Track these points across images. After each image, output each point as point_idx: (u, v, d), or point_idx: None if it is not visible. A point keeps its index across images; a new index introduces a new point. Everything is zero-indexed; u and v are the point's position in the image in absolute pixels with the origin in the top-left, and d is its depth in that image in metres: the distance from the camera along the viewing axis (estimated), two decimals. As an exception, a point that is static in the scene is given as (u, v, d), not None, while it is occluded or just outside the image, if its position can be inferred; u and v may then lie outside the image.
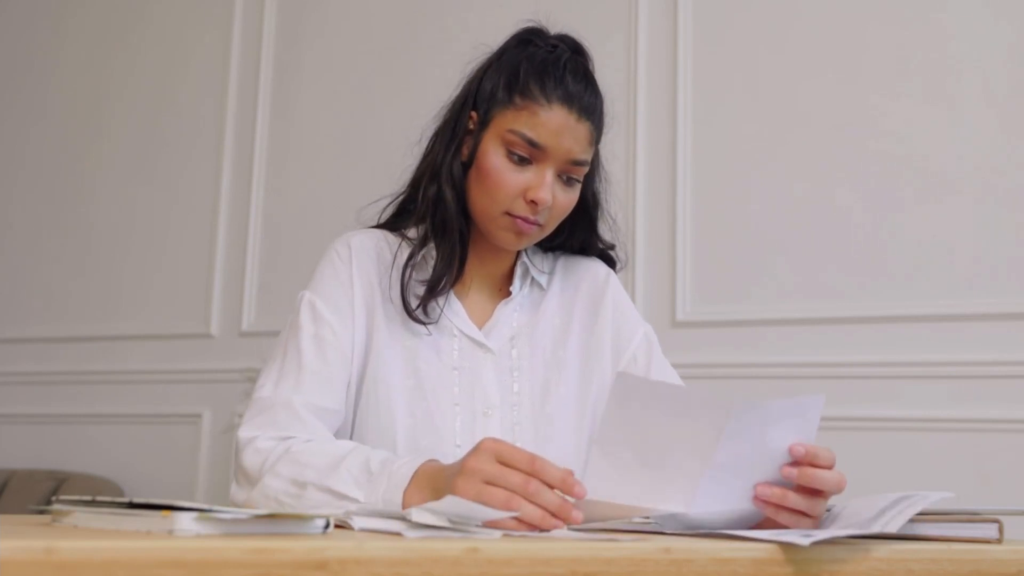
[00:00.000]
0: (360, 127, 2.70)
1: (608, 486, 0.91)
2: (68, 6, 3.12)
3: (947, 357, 2.09)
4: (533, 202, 1.22)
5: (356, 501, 1.04)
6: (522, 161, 1.22)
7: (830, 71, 2.28)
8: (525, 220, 1.24)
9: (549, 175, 1.22)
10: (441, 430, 1.23)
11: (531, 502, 0.88)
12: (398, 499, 1.00)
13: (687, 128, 2.37)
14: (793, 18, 2.34)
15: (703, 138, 2.36)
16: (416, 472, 1.01)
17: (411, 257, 1.28)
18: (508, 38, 1.32)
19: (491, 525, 0.85)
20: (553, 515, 0.88)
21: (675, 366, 1.38)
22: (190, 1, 2.99)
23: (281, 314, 2.67)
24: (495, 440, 0.94)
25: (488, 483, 0.90)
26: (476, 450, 0.94)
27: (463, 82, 1.33)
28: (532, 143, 1.21)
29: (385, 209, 1.39)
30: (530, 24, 1.32)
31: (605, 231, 1.40)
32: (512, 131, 1.22)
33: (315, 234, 2.68)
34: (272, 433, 1.17)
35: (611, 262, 1.43)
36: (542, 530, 0.88)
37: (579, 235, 1.38)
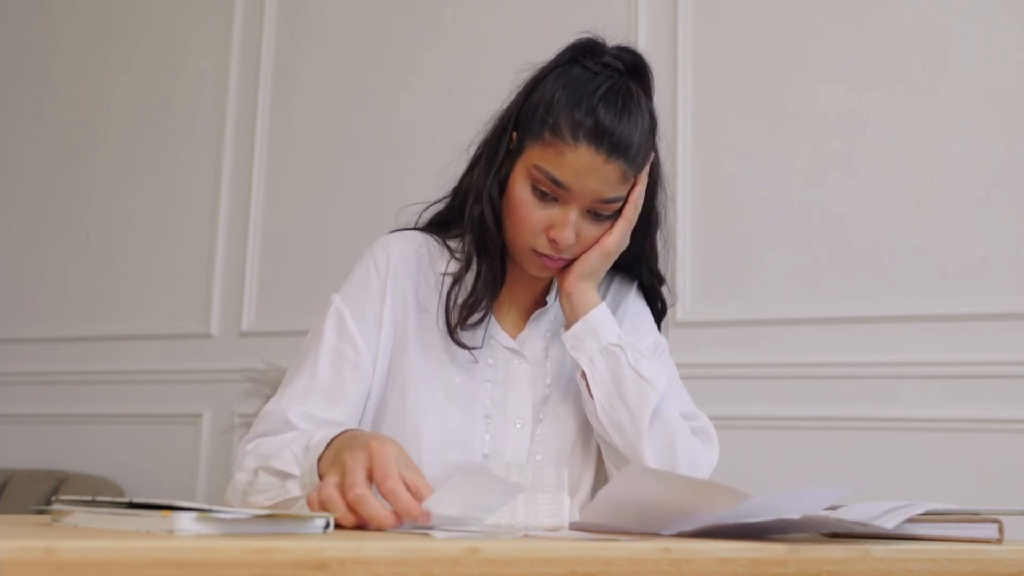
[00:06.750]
0: (360, 127, 2.70)
1: (607, 509, 0.91)
2: (66, 4, 3.12)
3: (947, 357, 2.09)
4: (555, 240, 1.21)
5: (293, 476, 1.05)
6: (547, 197, 1.20)
7: (831, 71, 2.28)
8: (549, 258, 1.23)
9: (573, 215, 1.20)
10: (469, 442, 1.23)
11: (351, 507, 0.88)
12: (315, 465, 1.01)
13: (687, 128, 2.36)
14: (794, 18, 2.33)
15: (703, 138, 2.36)
16: (332, 440, 1.01)
17: (457, 280, 1.27)
18: (562, 50, 1.27)
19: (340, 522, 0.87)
20: (378, 522, 0.87)
21: (675, 366, 1.38)
22: None
23: (281, 314, 2.68)
24: (381, 443, 0.93)
25: (343, 475, 0.91)
26: (362, 444, 0.94)
27: (513, 93, 1.29)
28: (556, 182, 1.19)
29: (423, 212, 1.37)
30: (586, 36, 1.27)
31: (656, 259, 1.36)
32: (537, 167, 1.20)
33: (315, 234, 2.68)
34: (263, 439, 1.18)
35: (656, 301, 1.39)
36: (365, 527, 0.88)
37: (629, 251, 1.32)
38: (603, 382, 1.23)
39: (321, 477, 0.99)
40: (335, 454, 0.99)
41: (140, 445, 2.75)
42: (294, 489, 1.05)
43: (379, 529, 0.87)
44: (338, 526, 0.86)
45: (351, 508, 0.88)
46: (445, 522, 0.86)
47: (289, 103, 2.80)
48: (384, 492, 0.88)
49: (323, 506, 0.89)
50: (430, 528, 0.84)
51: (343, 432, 1.02)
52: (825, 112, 2.27)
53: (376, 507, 0.87)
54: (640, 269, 1.37)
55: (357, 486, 0.88)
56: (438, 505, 0.86)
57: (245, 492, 1.12)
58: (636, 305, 1.37)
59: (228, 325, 2.74)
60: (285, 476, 1.06)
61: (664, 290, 1.40)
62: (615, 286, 1.38)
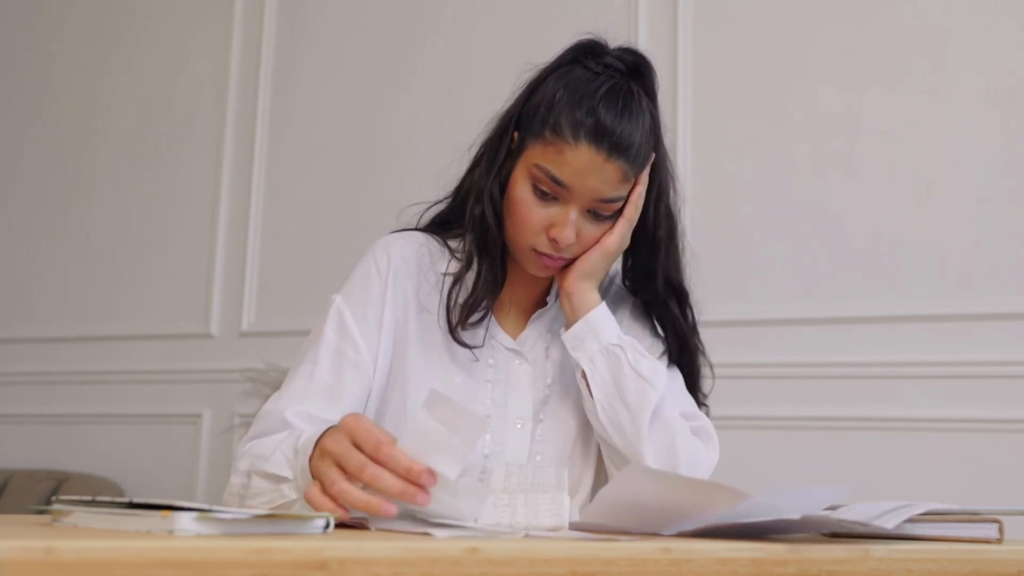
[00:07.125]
0: (360, 127, 2.70)
1: (607, 509, 0.91)
2: (66, 4, 3.12)
3: (947, 357, 2.09)
4: (555, 240, 1.21)
5: (287, 480, 1.05)
6: (548, 196, 1.20)
7: (830, 71, 2.28)
8: (549, 257, 1.23)
9: (573, 214, 1.20)
10: None
11: (370, 485, 0.87)
12: (306, 466, 1.00)
13: (687, 128, 2.36)
14: (794, 18, 2.33)
15: (703, 138, 2.36)
16: (319, 440, 1.00)
17: (458, 280, 1.27)
18: (564, 50, 1.27)
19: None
20: (399, 494, 0.86)
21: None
22: None
23: (281, 314, 2.68)
24: (355, 418, 0.92)
25: (337, 463, 0.90)
26: (336, 427, 0.94)
27: (514, 94, 1.30)
28: (556, 181, 1.19)
29: (425, 212, 1.37)
30: (587, 38, 1.28)
31: (678, 269, 1.34)
32: (538, 166, 1.20)
33: (315, 234, 2.68)
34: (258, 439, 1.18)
35: (656, 308, 1.36)
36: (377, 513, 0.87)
37: (640, 265, 1.33)
38: (603, 382, 1.23)
39: (314, 477, 0.99)
40: (320, 451, 0.99)
41: (140, 445, 2.75)
42: (290, 493, 1.05)
43: (385, 526, 0.87)
44: (339, 525, 0.86)
45: (369, 484, 0.87)
46: (442, 482, 0.86)
47: (289, 103, 2.80)
48: (382, 459, 0.87)
49: (336, 500, 0.88)
50: (429, 524, 0.84)
51: (328, 429, 1.02)
52: (825, 111, 2.27)
53: (393, 480, 0.86)
54: (651, 285, 1.34)
55: (367, 465, 0.87)
56: (426, 456, 0.86)
57: (241, 496, 1.12)
58: (632, 311, 1.37)
59: (228, 325, 2.74)
60: (279, 480, 1.06)
61: (688, 308, 1.37)
62: (613, 293, 1.38)
